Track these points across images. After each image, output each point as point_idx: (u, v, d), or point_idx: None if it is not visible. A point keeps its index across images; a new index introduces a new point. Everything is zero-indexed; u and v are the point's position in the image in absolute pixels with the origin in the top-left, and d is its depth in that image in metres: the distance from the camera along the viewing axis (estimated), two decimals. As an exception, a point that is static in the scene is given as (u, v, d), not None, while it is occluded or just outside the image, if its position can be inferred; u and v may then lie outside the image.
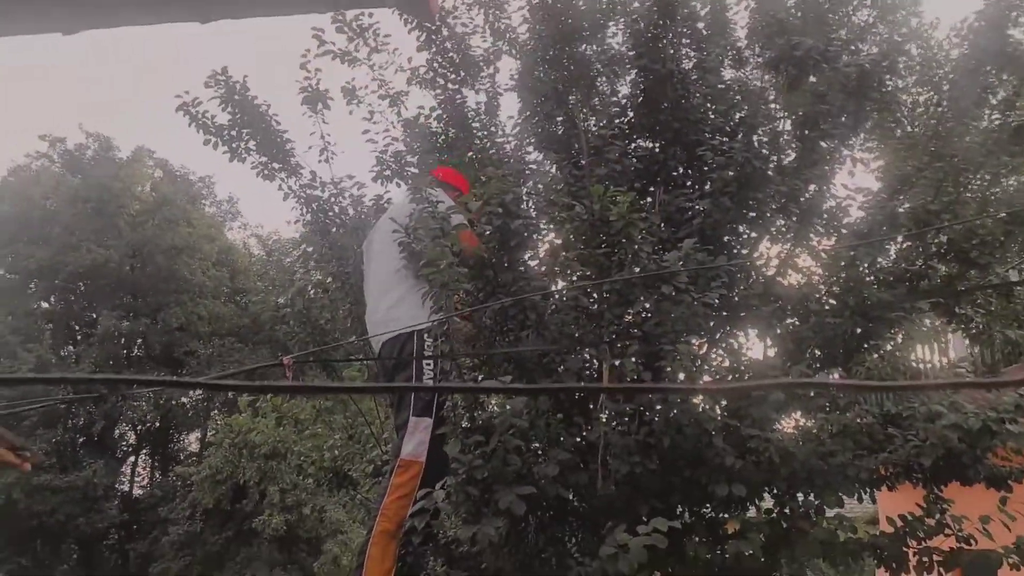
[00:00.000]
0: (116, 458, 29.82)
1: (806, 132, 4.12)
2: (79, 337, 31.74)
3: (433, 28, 4.81)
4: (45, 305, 32.65)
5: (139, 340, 31.00)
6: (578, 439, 3.78)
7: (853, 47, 4.24)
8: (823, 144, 4.12)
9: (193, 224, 32.27)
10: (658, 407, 3.65)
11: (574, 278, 3.87)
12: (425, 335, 3.65)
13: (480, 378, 4.02)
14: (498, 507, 3.08)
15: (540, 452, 3.67)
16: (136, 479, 31.44)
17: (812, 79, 4.34)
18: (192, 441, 32.30)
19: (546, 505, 3.82)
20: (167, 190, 32.93)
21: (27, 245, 30.48)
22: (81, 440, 29.07)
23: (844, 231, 4.30)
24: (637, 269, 3.46)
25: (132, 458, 31.50)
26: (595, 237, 3.51)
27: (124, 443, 31.40)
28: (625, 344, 3.69)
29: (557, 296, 3.97)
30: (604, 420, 3.71)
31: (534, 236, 3.84)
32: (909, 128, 4.54)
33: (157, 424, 30.67)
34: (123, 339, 30.81)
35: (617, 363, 3.67)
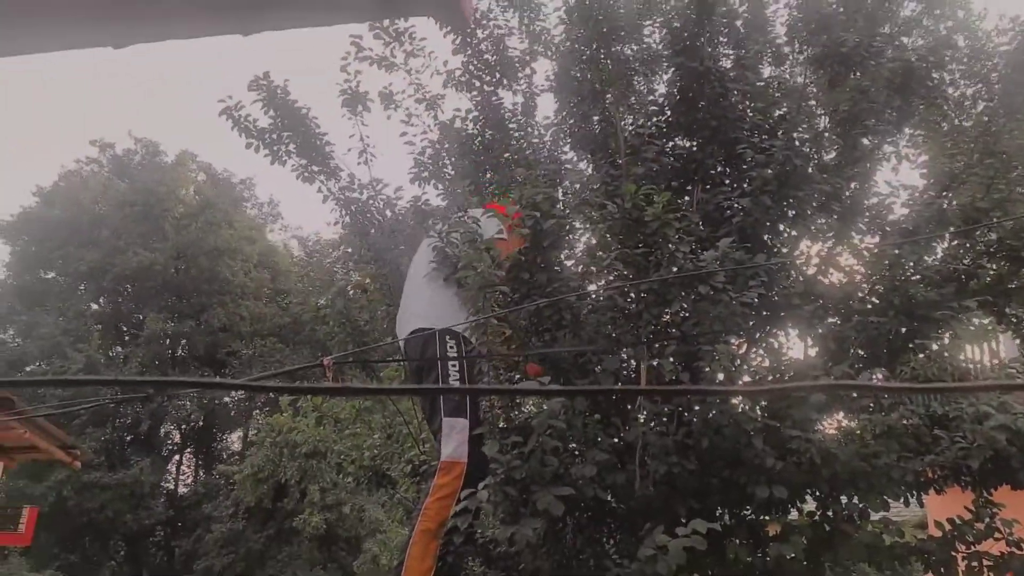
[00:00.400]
0: (162, 456, 30.45)
1: (848, 129, 4.05)
2: (127, 338, 32.44)
3: (468, 32, 4.83)
4: (94, 307, 33.44)
5: (183, 341, 31.61)
6: (616, 440, 3.76)
7: (898, 42, 4.15)
8: (865, 141, 4.05)
9: (235, 226, 32.81)
10: (696, 407, 3.62)
11: (611, 278, 3.84)
12: (448, 336, 3.65)
13: (516, 379, 4.02)
14: (536, 508, 3.07)
15: (577, 453, 3.66)
16: (181, 477, 32.06)
17: (855, 75, 4.27)
18: (235, 440, 32.84)
19: (584, 506, 3.81)
20: (210, 193, 33.53)
21: (77, 248, 31.25)
22: (128, 439, 29.72)
23: (888, 229, 4.22)
24: (674, 269, 3.42)
25: (177, 456, 32.14)
26: (631, 237, 3.48)
27: (169, 442, 32.04)
28: (663, 344, 3.66)
29: (594, 296, 3.95)
30: (642, 421, 3.69)
31: (569, 236, 3.83)
32: (957, 123, 4.43)
33: (201, 423, 31.24)
34: (168, 340, 31.44)
35: (655, 363, 3.64)
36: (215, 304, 30.63)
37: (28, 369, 29.51)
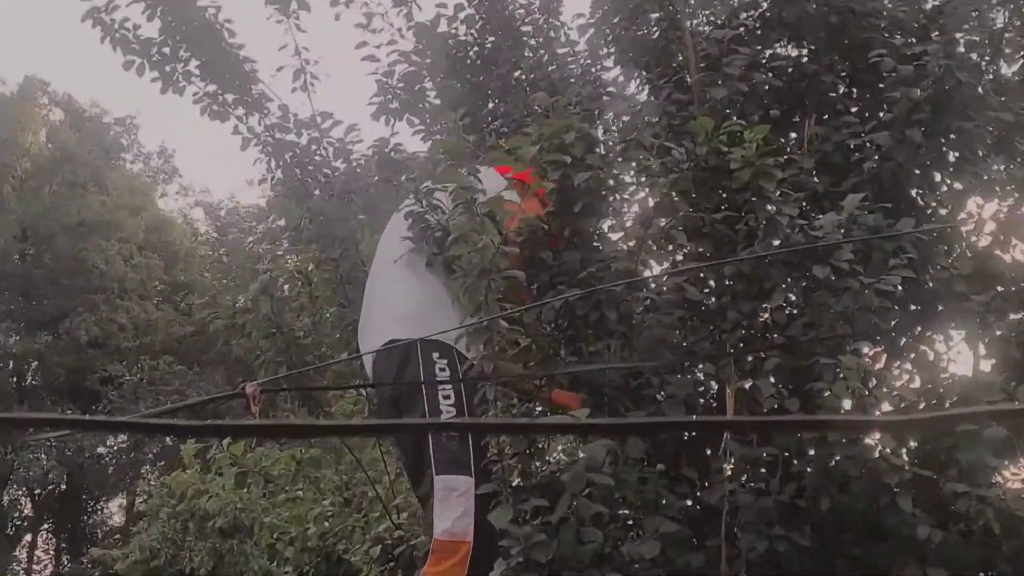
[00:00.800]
0: (6, 535, 30.77)
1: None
2: (-53, 361, 32.75)
3: None
4: None
5: (34, 363, 31.88)
6: (690, 502, 3.79)
7: None
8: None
9: (109, 190, 33.00)
10: (811, 451, 3.64)
11: (678, 258, 3.87)
12: (434, 350, 3.66)
13: (537, 412, 4.05)
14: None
15: (632, 522, 3.69)
16: (36, 566, 32.41)
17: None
18: (115, 511, 33.17)
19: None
20: (71, 140, 33.69)
21: None
22: (-41, 511, 30.04)
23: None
24: (775, 243, 3.44)
25: (28, 536, 32.47)
26: (709, 196, 3.50)
27: (17, 514, 32.36)
28: (758, 357, 3.68)
29: (652, 286, 3.97)
30: (729, 472, 3.72)
31: (614, 196, 3.85)
32: None
33: (63, 487, 31.54)
34: (11, 361, 31.72)
35: (747, 385, 3.67)
36: (80, 307, 30.80)
37: None
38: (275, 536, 5.21)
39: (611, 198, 3.87)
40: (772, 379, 3.70)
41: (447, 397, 3.65)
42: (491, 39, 5.21)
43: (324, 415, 5.50)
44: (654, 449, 3.78)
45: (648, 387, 3.78)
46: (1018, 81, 4.26)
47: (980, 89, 3.90)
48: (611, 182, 3.81)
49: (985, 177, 4.46)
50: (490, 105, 5.21)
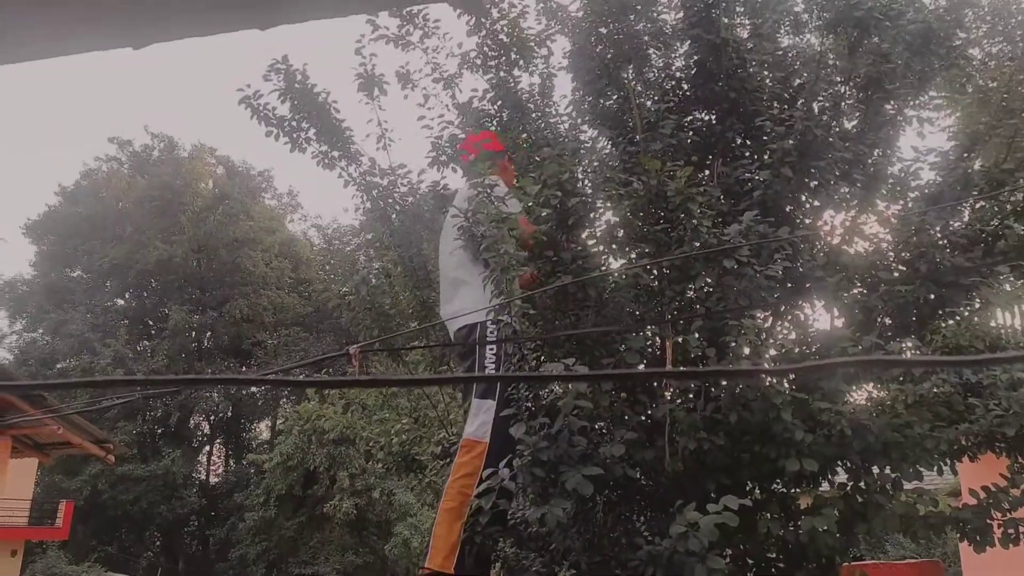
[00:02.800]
0: (192, 447, 30.93)
1: (869, 94, 3.99)
2: (152, 332, 32.89)
3: (482, 13, 4.80)
4: (120, 302, 33.93)
5: (208, 332, 32.02)
6: (643, 417, 3.76)
7: (917, 3, 4.08)
8: (887, 106, 3.99)
9: (254, 217, 33.07)
10: (723, 383, 3.60)
11: (633, 256, 3.83)
12: (489, 322, 3.68)
13: (541, 359, 4.02)
14: (565, 488, 3.08)
15: (605, 432, 3.66)
16: (212, 467, 32.57)
17: (875, 39, 4.20)
18: (263, 429, 33.28)
19: (613, 485, 3.82)
20: (227, 185, 33.78)
21: (101, 245, 31.69)
22: (159, 431, 30.20)
23: (913, 195, 4.17)
24: (697, 244, 3.40)
25: (207, 447, 32.64)
26: (653, 213, 3.46)
27: (199, 433, 32.53)
28: (688, 320, 3.65)
29: (617, 275, 3.94)
30: (669, 398, 3.69)
31: (592, 214, 3.81)
32: (981, 83, 4.36)
33: (229, 414, 31.69)
34: (193, 332, 31.86)
35: (680, 340, 3.63)
36: (237, 295, 30.94)
37: (59, 366, 30.04)
38: (369, 444, 5.18)
39: (590, 216, 3.84)
40: (697, 336, 3.67)
41: (493, 352, 3.68)
42: (507, 112, 5.16)
43: (402, 367, 5.46)
44: (619, 383, 3.75)
45: (614, 342, 3.75)
46: (856, 132, 4.19)
47: (830, 138, 3.83)
48: (590, 205, 3.77)
49: (836, 197, 4.41)
50: (506, 157, 5.16)
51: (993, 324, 3.65)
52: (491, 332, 3.69)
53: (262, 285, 31.52)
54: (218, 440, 32.93)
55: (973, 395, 3.34)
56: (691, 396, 3.68)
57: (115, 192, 33.38)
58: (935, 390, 3.32)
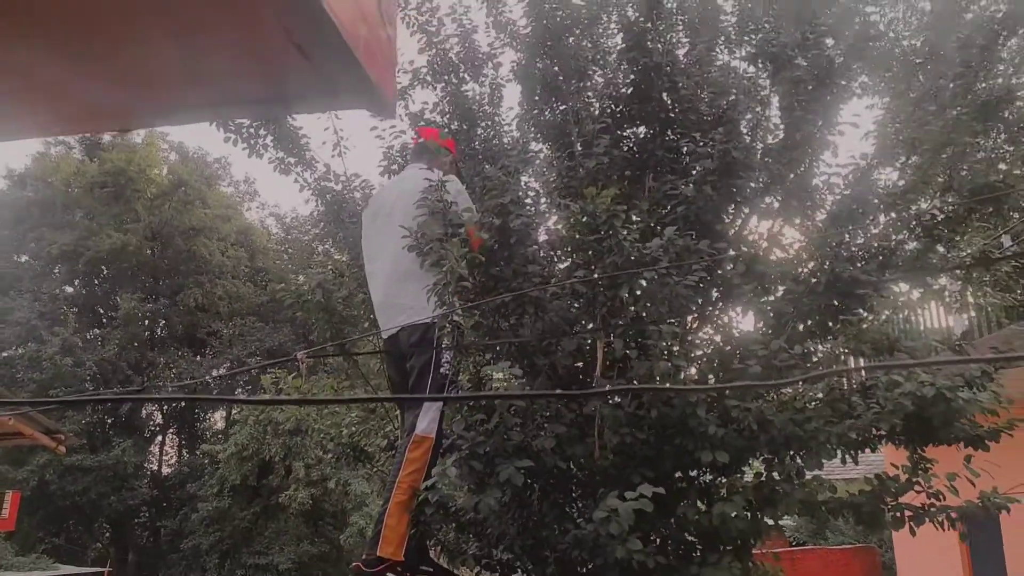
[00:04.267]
0: (144, 437, 30.65)
1: (786, 118, 4.40)
2: (103, 320, 32.47)
3: (434, 30, 5.09)
4: (69, 289, 33.38)
5: (161, 321, 31.72)
6: (575, 414, 4.10)
7: (829, 39, 4.47)
8: (803, 128, 4.39)
9: (210, 205, 32.77)
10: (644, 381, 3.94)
11: (567, 264, 4.16)
12: (438, 328, 3.93)
13: (484, 361, 4.34)
14: (499, 479, 3.42)
15: (543, 425, 4.00)
16: (164, 458, 32.35)
17: (797, 70, 4.59)
18: (217, 419, 33.11)
19: (549, 474, 4.17)
20: (182, 172, 33.40)
21: (50, 231, 31.13)
22: (109, 421, 29.89)
23: (827, 209, 4.58)
24: (622, 258, 3.73)
25: (160, 437, 32.36)
26: (585, 229, 3.79)
27: (151, 423, 32.21)
28: (616, 325, 3.99)
29: (554, 284, 4.26)
30: (598, 397, 4.03)
31: (533, 230, 4.09)
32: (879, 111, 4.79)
33: (182, 404, 31.45)
34: (146, 321, 31.51)
35: (610, 342, 3.98)
36: (192, 284, 30.68)
37: (3, 354, 29.51)
38: (321, 436, 5.46)
39: (534, 232, 4.11)
40: (624, 340, 4.02)
41: (447, 358, 3.94)
42: (456, 123, 5.45)
43: (355, 367, 5.72)
44: (555, 381, 4.09)
45: (552, 345, 4.08)
46: (777, 150, 4.57)
47: (748, 159, 4.18)
48: (534, 223, 4.05)
49: (761, 208, 4.80)
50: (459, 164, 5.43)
51: (887, 329, 4.08)
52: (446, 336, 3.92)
53: (218, 274, 31.30)
54: (171, 430, 32.68)
55: (863, 396, 3.75)
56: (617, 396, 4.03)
57: (64, 177, 32.82)
58: (838, 390, 3.74)
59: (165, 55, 1.32)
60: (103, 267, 32.42)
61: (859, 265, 3.97)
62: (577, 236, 3.92)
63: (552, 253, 4.44)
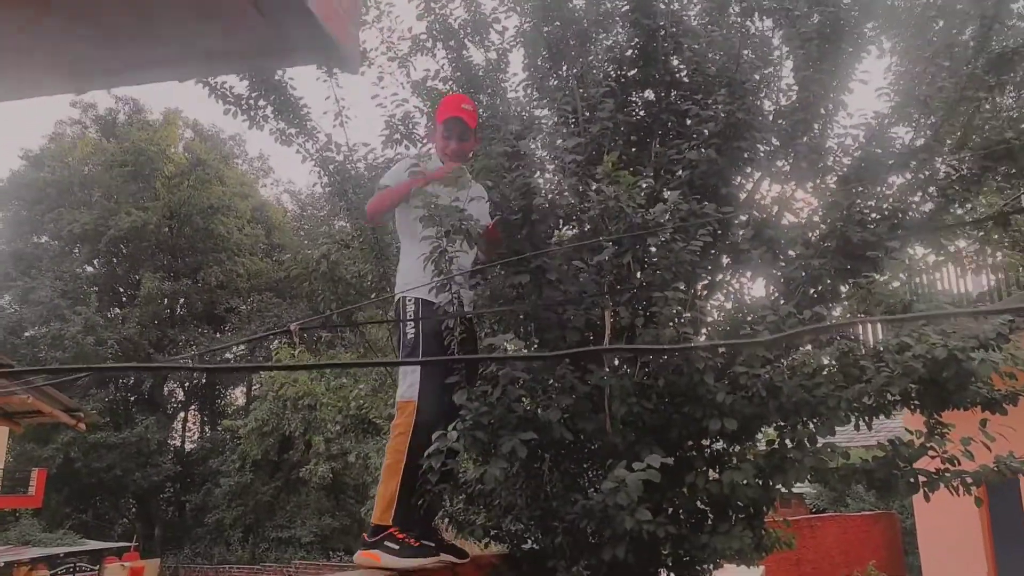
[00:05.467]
0: (167, 414, 31.11)
1: (797, 76, 4.28)
2: (124, 299, 32.82)
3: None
4: (89, 269, 33.75)
5: (181, 299, 32.01)
6: (584, 383, 4.05)
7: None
8: (813, 87, 4.27)
9: (227, 183, 32.96)
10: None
11: (571, 233, 4.10)
12: (408, 300, 3.86)
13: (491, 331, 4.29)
14: (502, 450, 3.38)
15: (551, 396, 3.95)
16: (187, 434, 32.81)
17: (806, 25, 4.46)
18: (238, 396, 33.51)
19: (557, 445, 4.13)
20: (200, 150, 33.54)
21: (69, 210, 31.43)
22: (133, 399, 30.32)
23: (839, 172, 4.47)
24: (625, 224, 3.66)
25: (182, 414, 32.83)
26: (586, 196, 3.72)
27: (173, 400, 32.68)
28: (621, 292, 3.93)
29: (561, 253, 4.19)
30: (605, 366, 3.98)
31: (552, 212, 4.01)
32: (895, 69, 4.65)
33: (204, 380, 31.82)
34: (166, 299, 31.84)
35: (616, 311, 3.92)
36: (211, 262, 30.94)
37: (27, 334, 29.94)
38: (330, 408, 5.47)
39: (552, 214, 4.02)
40: (630, 307, 3.97)
41: (412, 331, 3.84)
42: (460, 90, 5.35)
43: (359, 338, 5.71)
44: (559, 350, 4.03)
45: (559, 317, 4.02)
46: (789, 110, 4.45)
47: (754, 119, 4.07)
48: (550, 208, 3.95)
49: (772, 170, 4.69)
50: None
51: (897, 290, 3.98)
52: (410, 312, 3.87)
53: (236, 251, 31.54)
54: (193, 407, 33.13)
55: (873, 359, 3.67)
56: (624, 364, 3.98)
57: (81, 156, 33.05)
58: (849, 354, 3.66)
59: (119, 11, 1.27)
60: (123, 246, 32.73)
61: (870, 227, 3.87)
62: (577, 204, 3.86)
63: (558, 223, 4.36)
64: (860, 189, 4.17)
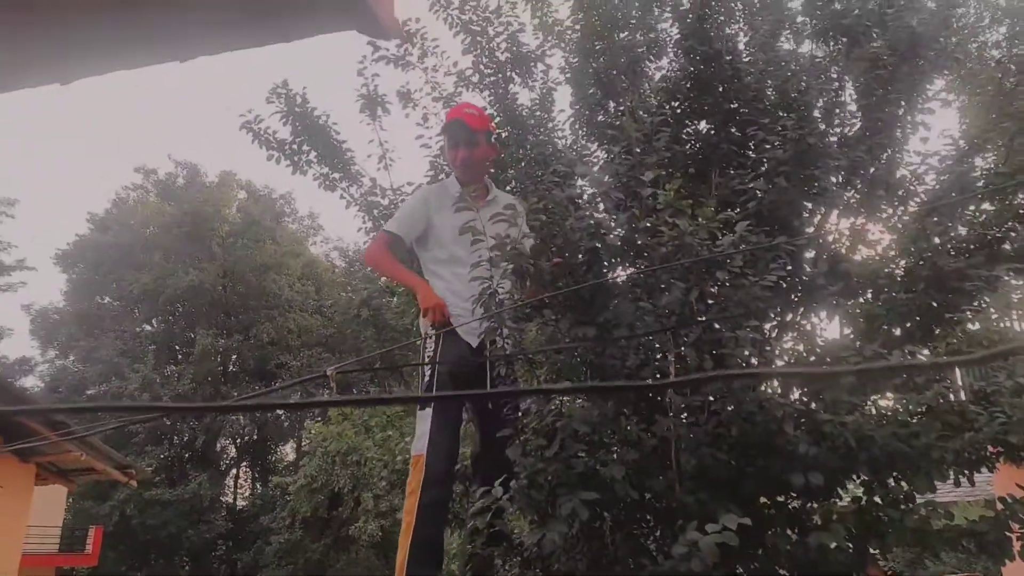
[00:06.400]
0: (219, 471, 31.10)
1: (866, 100, 3.93)
2: (179, 356, 33.18)
3: (478, 31, 4.79)
4: (148, 328, 34.33)
5: (234, 356, 32.25)
6: (648, 435, 3.69)
7: (902, 1, 3.99)
8: (886, 111, 3.91)
9: (278, 241, 33.44)
10: (726, 395, 3.52)
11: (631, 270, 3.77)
12: (427, 336, 3.50)
13: (543, 377, 3.95)
14: (562, 512, 3.02)
15: (612, 451, 3.59)
16: (239, 490, 32.70)
17: (874, 45, 4.14)
18: (288, 451, 33.42)
19: (619, 504, 3.74)
20: (253, 210, 34.18)
21: (130, 271, 32.15)
22: (186, 455, 30.39)
23: (918, 200, 4.08)
24: (687, 256, 3.33)
25: (234, 470, 32.79)
26: (648, 228, 3.40)
27: (226, 456, 32.71)
28: (686, 333, 3.57)
29: (619, 286, 3.86)
30: (672, 416, 3.60)
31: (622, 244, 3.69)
32: (980, 85, 4.27)
33: (255, 436, 31.86)
34: (219, 356, 32.09)
35: (681, 352, 3.56)
36: (263, 319, 31.21)
37: (89, 392, 30.40)
38: (374, 463, 5.15)
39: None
40: (697, 350, 3.59)
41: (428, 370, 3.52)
42: (505, 130, 5.12)
43: (402, 385, 5.41)
44: (622, 400, 3.68)
45: (616, 359, 3.66)
46: (856, 138, 4.11)
47: (823, 146, 3.72)
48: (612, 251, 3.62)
49: (840, 204, 4.31)
50: (507, 173, 5.10)
51: (999, 327, 3.55)
52: (428, 343, 3.52)
53: (287, 308, 31.79)
54: (244, 463, 33.09)
55: (980, 403, 3.23)
56: (694, 411, 3.60)
57: (144, 219, 33.90)
58: (940, 399, 3.22)
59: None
60: (180, 305, 33.26)
61: (965, 257, 3.46)
62: (636, 237, 3.52)
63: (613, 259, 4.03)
64: (935, 220, 3.77)
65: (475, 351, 3.53)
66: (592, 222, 3.39)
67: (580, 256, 3.44)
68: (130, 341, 31.83)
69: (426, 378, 3.48)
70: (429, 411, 3.42)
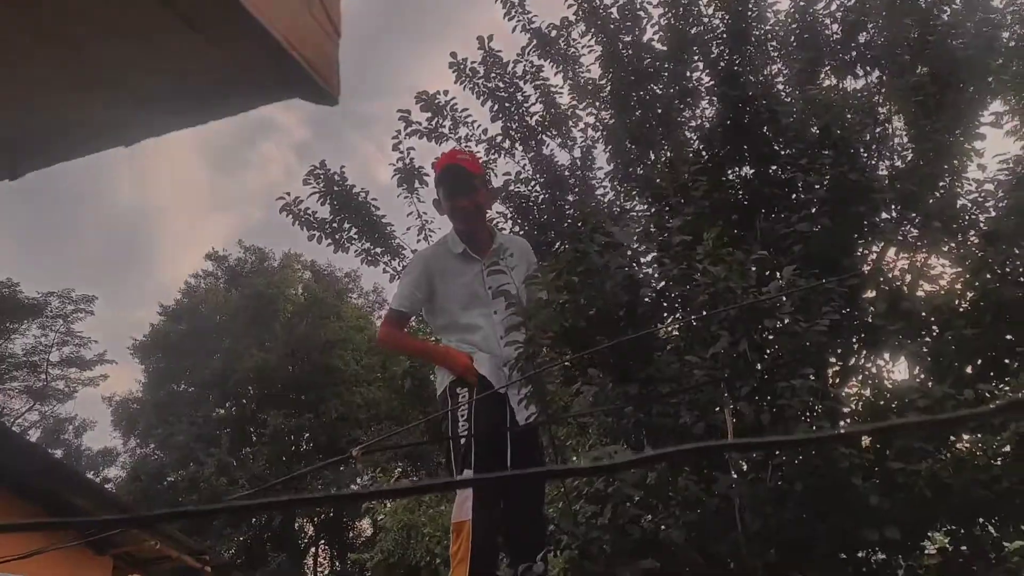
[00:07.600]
0: (298, 550, 31.10)
1: (912, 130, 3.79)
2: (253, 438, 33.64)
3: (506, 96, 4.83)
4: (221, 411, 34.98)
5: (305, 434, 32.53)
6: (710, 495, 3.51)
7: (940, 28, 3.86)
8: (935, 139, 3.76)
9: (343, 317, 33.92)
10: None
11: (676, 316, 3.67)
12: (457, 388, 3.33)
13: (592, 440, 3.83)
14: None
15: (672, 514, 3.42)
16: (318, 568, 32.61)
17: (917, 73, 4.02)
18: (366, 527, 33.26)
19: (684, 568, 3.55)
20: (316, 289, 34.89)
21: (202, 358, 33.00)
22: (266, 535, 30.51)
23: (976, 231, 3.89)
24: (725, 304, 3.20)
25: (313, 548, 32.75)
26: (687, 278, 3.30)
27: (303, 535, 32.72)
28: (740, 385, 3.41)
29: (661, 339, 3.75)
30: (734, 475, 3.43)
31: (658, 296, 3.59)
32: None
33: (331, 513, 31.82)
34: (291, 435, 32.42)
35: (736, 407, 3.40)
36: (330, 395, 31.52)
37: (168, 479, 30.98)
38: (430, 539, 5.03)
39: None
40: (752, 402, 3.42)
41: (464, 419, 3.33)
42: (546, 191, 5.11)
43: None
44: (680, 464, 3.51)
45: (668, 417, 3.52)
46: (908, 169, 3.96)
47: (869, 180, 3.58)
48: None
49: (897, 239, 4.13)
50: (551, 234, 5.06)
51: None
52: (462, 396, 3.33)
53: (354, 383, 32.05)
54: (322, 541, 33.06)
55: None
56: (754, 470, 3.42)
57: (213, 307, 34.92)
58: (1019, 440, 2.99)
59: (38, 55, 1.00)
60: (250, 387, 33.86)
61: (1026, 290, 3.25)
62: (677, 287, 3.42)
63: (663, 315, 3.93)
64: (999, 248, 3.57)
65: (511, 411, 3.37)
66: (630, 273, 3.31)
67: (620, 312, 3.35)
68: (204, 426, 32.48)
69: (461, 444, 3.33)
70: (466, 471, 3.26)
